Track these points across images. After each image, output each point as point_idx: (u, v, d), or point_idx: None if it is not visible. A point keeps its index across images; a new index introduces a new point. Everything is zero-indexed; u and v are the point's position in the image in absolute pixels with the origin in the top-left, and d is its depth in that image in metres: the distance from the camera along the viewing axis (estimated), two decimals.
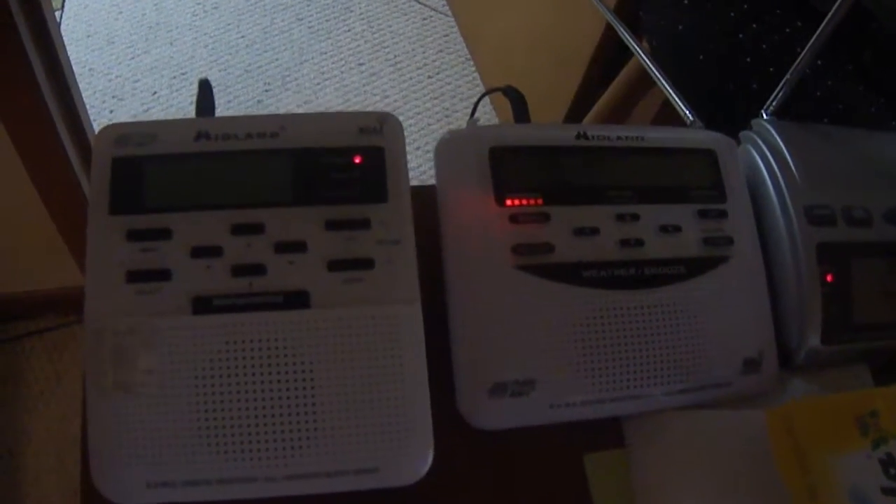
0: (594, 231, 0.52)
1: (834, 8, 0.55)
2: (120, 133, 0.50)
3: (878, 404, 0.54)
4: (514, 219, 0.51)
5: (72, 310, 1.44)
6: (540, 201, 0.52)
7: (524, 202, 0.51)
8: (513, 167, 0.52)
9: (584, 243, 0.52)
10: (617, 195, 0.53)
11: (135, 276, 0.48)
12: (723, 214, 0.55)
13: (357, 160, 0.50)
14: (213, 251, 0.48)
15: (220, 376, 0.47)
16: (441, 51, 2.02)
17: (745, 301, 0.55)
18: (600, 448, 0.54)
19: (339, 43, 2.03)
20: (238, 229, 0.49)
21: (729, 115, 0.63)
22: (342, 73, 1.97)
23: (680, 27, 0.72)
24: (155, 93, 1.88)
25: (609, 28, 1.01)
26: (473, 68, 1.91)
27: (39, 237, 1.19)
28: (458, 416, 0.51)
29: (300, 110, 1.85)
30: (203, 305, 0.47)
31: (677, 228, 0.54)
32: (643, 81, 0.88)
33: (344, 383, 0.47)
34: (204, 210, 0.49)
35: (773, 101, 0.60)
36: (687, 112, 0.61)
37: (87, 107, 1.17)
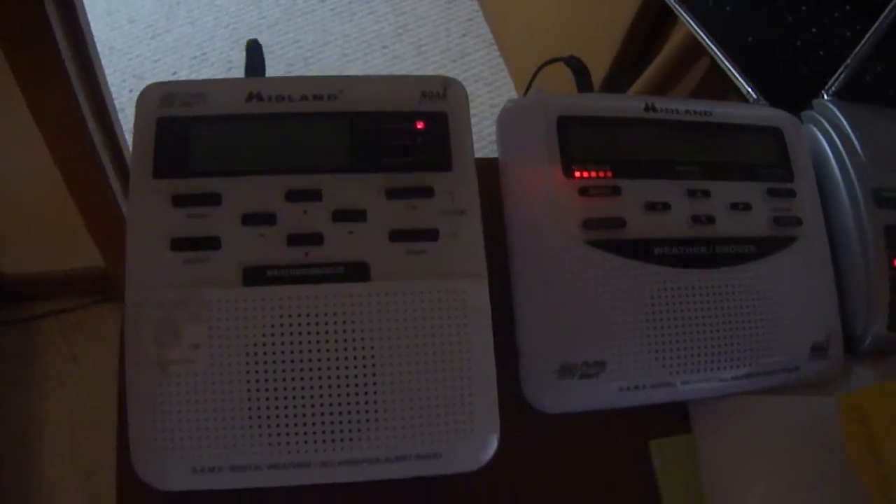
0: (666, 206, 0.48)
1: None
2: (165, 92, 0.45)
3: None
4: (583, 191, 0.46)
5: (88, 291, 1.37)
6: (609, 174, 0.47)
7: (594, 174, 0.47)
8: (581, 138, 0.48)
9: (656, 219, 0.47)
10: (687, 170, 0.49)
11: (181, 244, 0.43)
12: (791, 194, 0.51)
13: (420, 126, 0.46)
14: (267, 218, 0.43)
15: (273, 353, 0.42)
16: (465, 35, 1.95)
17: (813, 284, 0.51)
18: (666, 434, 0.49)
19: (363, 25, 1.96)
20: (293, 195, 0.44)
21: (779, 98, 0.59)
22: (365, 55, 1.90)
23: (728, 8, 0.68)
24: (175, 73, 1.81)
25: (640, 12, 0.97)
26: (497, 53, 1.86)
27: (58, 217, 1.14)
28: (522, 400, 0.46)
29: None
30: (255, 276, 0.43)
31: (748, 206, 0.50)
32: (686, 58, 0.84)
33: (406, 362, 0.42)
34: (256, 175, 0.44)
35: (834, 82, 0.57)
36: (750, 89, 0.57)
37: (110, 86, 1.12)
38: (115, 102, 1.19)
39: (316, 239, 0.43)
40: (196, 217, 0.43)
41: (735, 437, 0.49)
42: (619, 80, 1.03)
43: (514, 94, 1.68)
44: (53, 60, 0.84)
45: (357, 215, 0.44)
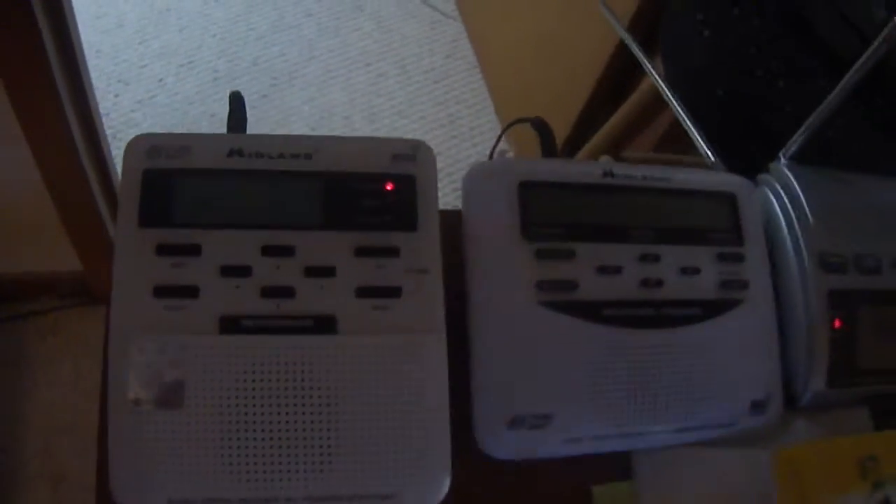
0: (617, 270, 0.51)
1: (860, 61, 0.55)
2: (152, 144, 0.49)
3: (877, 449, 0.54)
4: (539, 254, 0.50)
5: (67, 294, 1.40)
6: (566, 238, 0.51)
7: (550, 238, 0.50)
8: (541, 202, 0.51)
9: (607, 282, 0.51)
10: (640, 234, 0.52)
11: (163, 292, 0.46)
12: (740, 258, 0.54)
13: (389, 187, 0.49)
14: (243, 271, 0.47)
15: (245, 396, 0.45)
16: (449, 56, 1.98)
17: (756, 344, 0.54)
18: (609, 480, 0.53)
19: (348, 41, 1.99)
20: (268, 250, 0.47)
21: (745, 155, 0.63)
22: (349, 71, 1.93)
23: (697, 61, 0.71)
24: (161, 80, 1.83)
25: (621, 44, 0.99)
26: (480, 76, 1.88)
27: (39, 220, 1.16)
28: (473, 446, 0.50)
29: (305, 108, 1.81)
30: (231, 325, 0.46)
31: (696, 270, 0.53)
32: (654, 105, 0.87)
33: (366, 408, 0.46)
34: (235, 229, 0.48)
35: (791, 146, 0.60)
36: (709, 152, 0.60)
37: (95, 89, 1.14)
38: (100, 107, 1.21)
39: (288, 292, 0.47)
40: (177, 266, 0.47)
41: (673, 485, 0.53)
42: (596, 109, 1.06)
43: (493, 118, 1.71)
44: (40, 62, 0.86)
45: (327, 272, 0.47)
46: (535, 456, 0.50)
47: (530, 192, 0.51)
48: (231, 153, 0.49)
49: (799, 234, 0.56)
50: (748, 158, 0.62)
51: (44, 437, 1.24)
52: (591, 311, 0.50)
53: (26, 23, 0.86)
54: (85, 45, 1.11)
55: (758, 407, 0.54)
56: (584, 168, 0.53)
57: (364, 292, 0.47)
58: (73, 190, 1.11)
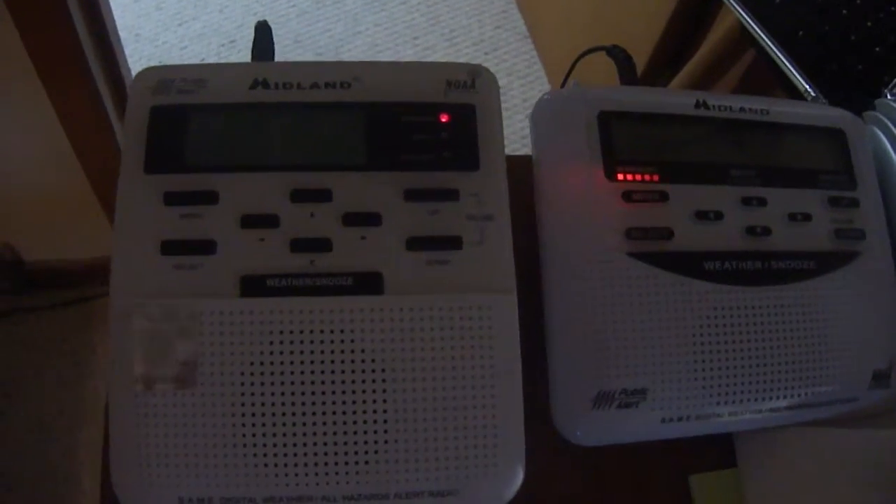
0: (718, 215, 0.38)
1: None
2: (161, 77, 0.37)
3: None
4: (627, 196, 0.37)
5: (108, 280, 1.29)
6: (656, 177, 0.38)
7: (639, 177, 0.38)
8: (625, 135, 0.39)
9: (707, 229, 0.38)
10: (742, 175, 0.40)
11: (172, 248, 0.35)
12: (854, 203, 0.42)
13: (444, 119, 0.37)
14: (268, 220, 0.35)
15: (272, 373, 0.34)
16: (498, 27, 1.77)
17: (876, 304, 0.42)
18: (707, 468, 0.40)
19: (394, 15, 1.78)
20: (299, 195, 0.35)
21: (832, 98, 0.50)
22: (396, 46, 1.73)
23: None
24: (202, 60, 1.68)
25: (679, 7, 0.86)
26: (531, 46, 1.69)
27: (79, 206, 1.05)
28: (552, 429, 0.37)
29: None
30: (254, 286, 0.34)
31: (807, 217, 0.40)
32: (724, 56, 0.74)
33: (421, 387, 0.34)
34: (258, 171, 0.36)
35: None
36: (807, 86, 0.47)
37: (132, 73, 1.03)
38: None
39: (323, 245, 0.35)
40: (190, 217, 0.35)
41: (786, 473, 0.40)
42: (657, 74, 0.93)
43: (546, 89, 1.54)
44: (73, 49, 0.76)
45: (371, 219, 0.35)
46: (626, 440, 0.38)
47: (612, 124, 0.38)
48: (255, 85, 0.37)
49: None
50: (839, 102, 0.49)
51: (87, 426, 1.13)
52: (691, 264, 0.38)
53: (59, 12, 0.75)
54: (124, 29, 0.99)
55: (881, 378, 0.41)
56: (674, 97, 0.41)
57: (416, 243, 0.35)
58: (111, 175, 1.00)
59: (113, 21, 0.92)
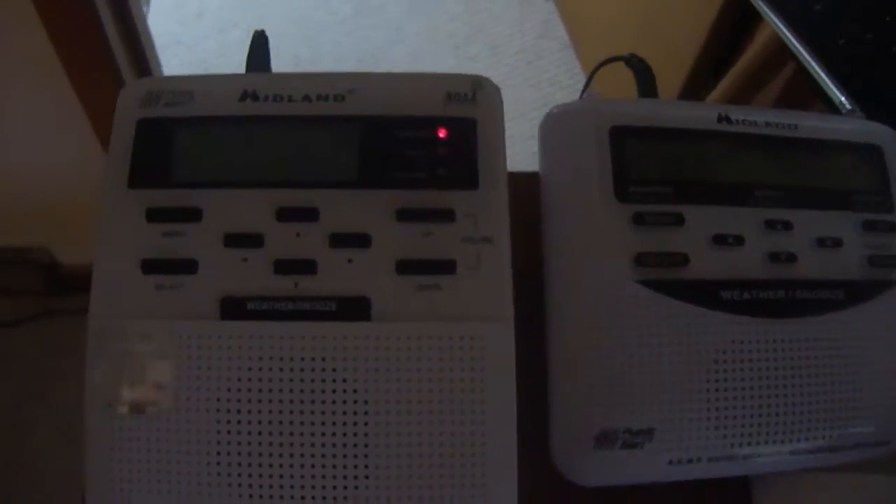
0: (738, 240, 0.34)
1: None
2: (150, 89, 0.34)
3: None
4: (638, 218, 0.33)
5: None
6: (672, 198, 0.34)
7: (652, 198, 0.34)
8: (638, 152, 0.34)
9: (726, 255, 0.34)
10: (766, 196, 0.35)
11: (152, 267, 0.32)
12: (892, 228, 0.37)
13: (442, 134, 0.33)
14: (252, 240, 0.32)
15: (249, 400, 0.31)
16: (541, 37, 1.70)
17: None
18: None
19: (436, 24, 1.73)
20: (285, 214, 0.32)
21: (872, 113, 0.45)
22: (437, 55, 1.68)
23: (817, 6, 0.53)
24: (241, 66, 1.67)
25: (721, 16, 0.81)
26: (574, 55, 1.63)
27: None
28: (551, 470, 0.34)
29: None
30: (234, 308, 0.31)
31: (838, 242, 0.36)
32: (763, 69, 0.69)
33: (407, 420, 0.31)
34: (244, 188, 0.33)
35: None
36: (843, 98, 0.42)
37: None
38: None
39: (308, 267, 0.32)
40: (172, 235, 0.32)
41: None
42: (698, 86, 0.88)
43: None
44: (103, 54, 0.74)
45: (359, 240, 0.32)
46: (630, 482, 0.34)
47: (625, 139, 0.34)
48: (244, 97, 0.34)
49: None
50: (880, 117, 0.44)
51: None
52: (706, 294, 0.33)
53: (88, 15, 0.74)
54: (165, 35, 0.96)
55: None
56: (694, 111, 0.37)
57: (407, 267, 0.32)
58: None
59: (145, 25, 0.90)
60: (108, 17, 0.77)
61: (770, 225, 0.35)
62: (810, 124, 0.37)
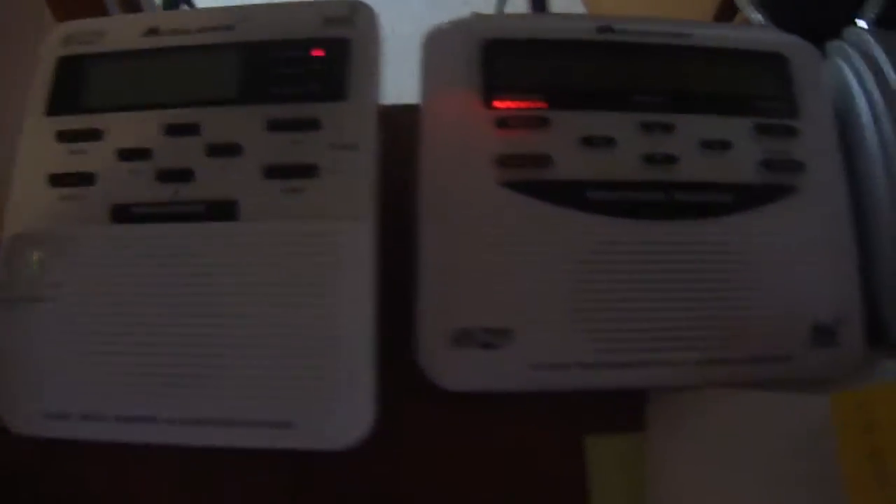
0: (608, 141, 0.33)
1: None
2: (69, 31, 0.38)
3: None
4: (502, 123, 0.33)
5: None
6: (542, 104, 0.34)
7: (519, 104, 0.34)
8: (510, 63, 0.34)
9: (595, 156, 0.33)
10: (647, 101, 0.34)
11: (59, 180, 0.35)
12: (791, 132, 0.35)
13: (317, 53, 0.35)
14: (141, 154, 0.35)
15: (129, 293, 0.32)
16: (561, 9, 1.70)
17: (818, 248, 0.34)
18: (609, 431, 0.35)
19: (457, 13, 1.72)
20: (172, 130, 0.35)
21: (809, 28, 0.42)
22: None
23: None
24: None
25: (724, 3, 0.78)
26: None
27: None
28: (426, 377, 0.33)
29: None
30: (122, 214, 0.34)
31: (726, 145, 0.34)
32: None
33: (265, 313, 0.32)
34: (139, 110, 0.35)
35: (873, 7, 0.39)
36: (754, 11, 0.40)
37: None
38: None
39: (186, 175, 0.34)
40: (76, 153, 0.35)
41: (698, 441, 0.33)
42: None
43: None
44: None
45: (232, 150, 0.34)
46: (494, 387, 0.33)
47: (498, 52, 0.35)
48: (147, 33, 0.37)
49: (882, 109, 0.36)
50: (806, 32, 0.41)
51: None
52: (572, 194, 0.33)
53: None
54: None
55: (822, 335, 0.33)
56: (573, 22, 0.36)
57: (273, 172, 0.33)
58: None
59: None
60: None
61: (647, 127, 0.33)
62: (706, 33, 0.36)
